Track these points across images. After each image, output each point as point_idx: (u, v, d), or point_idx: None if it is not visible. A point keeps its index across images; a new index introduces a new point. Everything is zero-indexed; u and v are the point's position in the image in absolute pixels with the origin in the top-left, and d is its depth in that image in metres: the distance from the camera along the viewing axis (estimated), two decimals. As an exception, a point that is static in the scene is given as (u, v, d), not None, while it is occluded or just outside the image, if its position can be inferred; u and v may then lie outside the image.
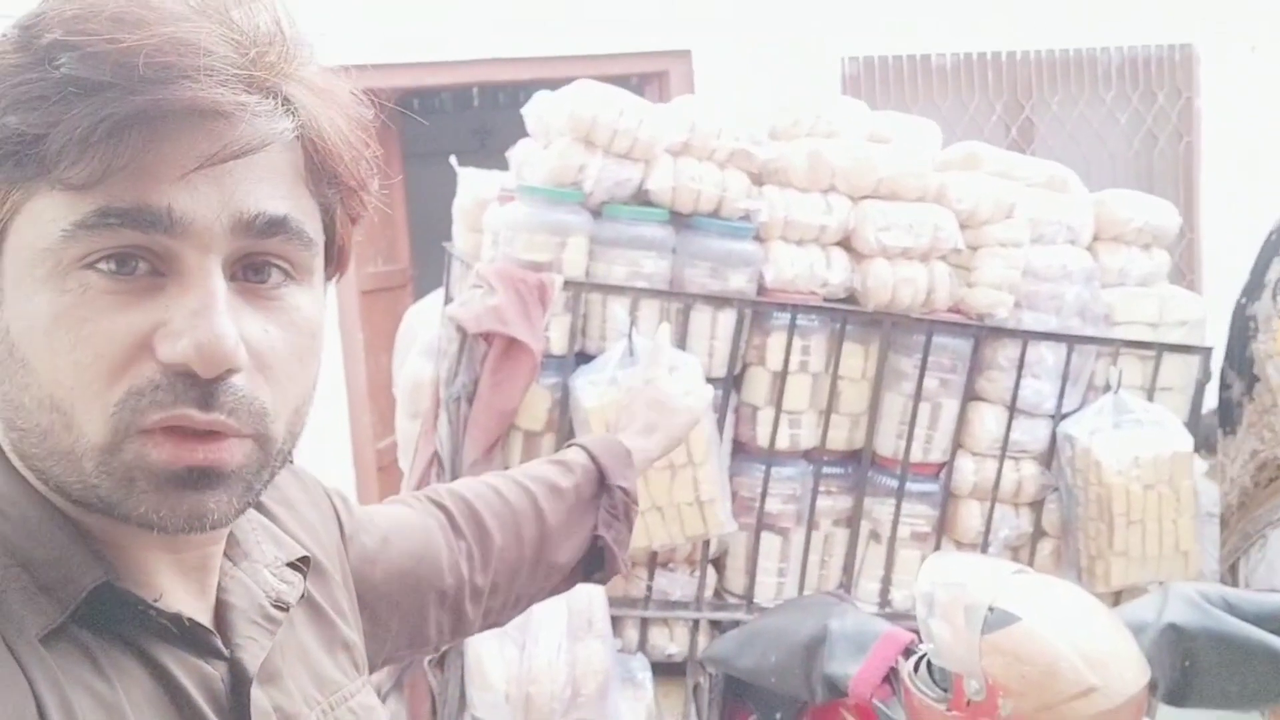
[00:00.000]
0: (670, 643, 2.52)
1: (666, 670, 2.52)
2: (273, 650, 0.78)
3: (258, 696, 0.75)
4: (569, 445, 1.39)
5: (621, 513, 1.33)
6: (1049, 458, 2.65)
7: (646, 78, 5.14)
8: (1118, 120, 5.59)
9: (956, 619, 1.71)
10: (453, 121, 8.14)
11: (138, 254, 0.65)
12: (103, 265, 0.64)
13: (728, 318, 2.44)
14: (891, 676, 1.94)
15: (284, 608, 0.81)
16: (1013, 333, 2.56)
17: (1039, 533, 2.68)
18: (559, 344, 2.39)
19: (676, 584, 2.53)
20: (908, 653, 1.95)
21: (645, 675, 2.43)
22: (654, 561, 2.49)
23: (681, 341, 2.43)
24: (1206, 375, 2.69)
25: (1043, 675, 1.62)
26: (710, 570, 2.57)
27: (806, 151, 2.50)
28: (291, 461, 0.92)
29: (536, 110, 2.67)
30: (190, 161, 0.64)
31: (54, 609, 0.66)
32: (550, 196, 2.37)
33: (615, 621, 2.48)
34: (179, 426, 0.65)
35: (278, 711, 0.77)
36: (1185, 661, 1.85)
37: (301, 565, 0.86)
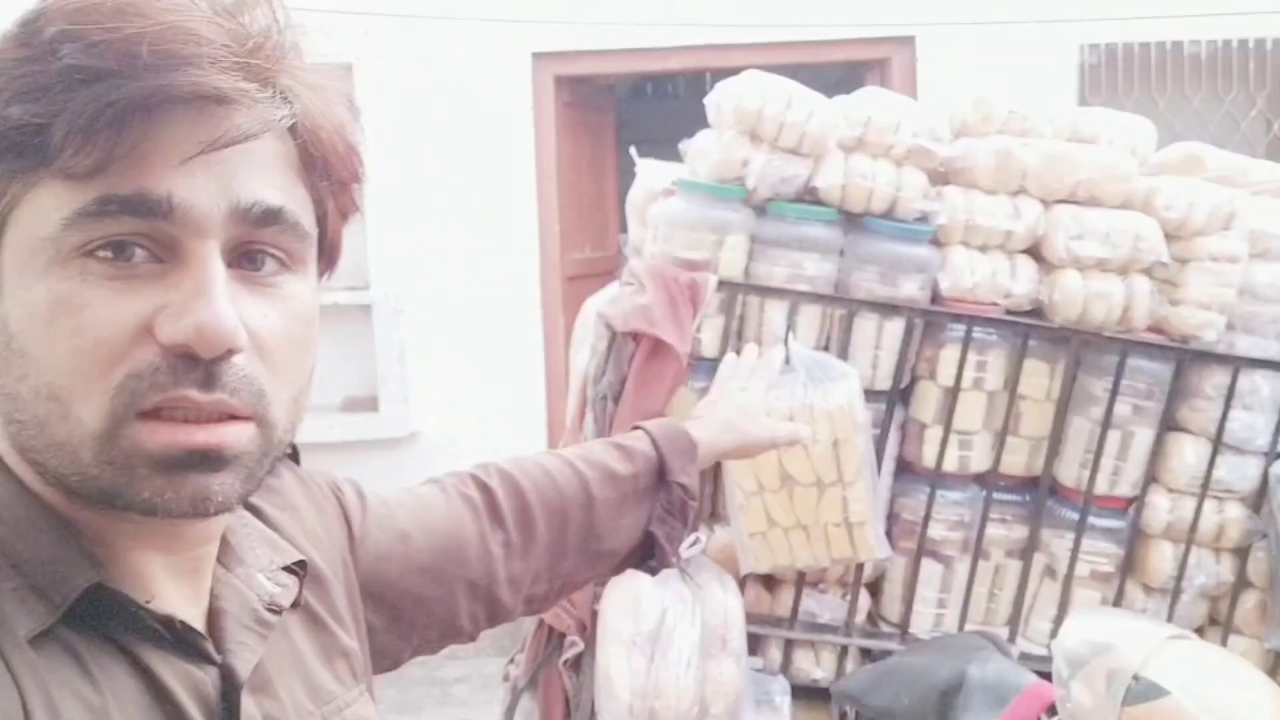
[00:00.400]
0: (816, 667, 2.39)
1: (810, 695, 2.39)
2: (265, 658, 0.78)
3: (247, 704, 0.74)
4: (634, 428, 1.34)
5: (677, 509, 1.29)
6: (1258, 501, 2.36)
7: (867, 65, 4.95)
8: (1237, 124, 4.97)
9: (1098, 684, 1.53)
10: (685, 108, 8.11)
11: (137, 241, 0.65)
12: (102, 253, 0.64)
13: (895, 326, 2.28)
14: (1034, 735, 1.76)
15: (278, 611, 0.80)
16: (1222, 358, 2.29)
17: (1242, 583, 2.39)
18: (711, 347, 2.29)
19: (826, 606, 2.40)
20: (1051, 710, 1.77)
21: (784, 699, 2.31)
22: (801, 581, 2.36)
23: (843, 350, 2.28)
24: None
25: (1188, 762, 1.42)
26: (865, 595, 2.42)
27: (995, 149, 2.30)
28: (298, 464, 0.97)
29: (715, 99, 2.57)
30: (190, 148, 0.64)
31: (45, 610, 0.66)
32: (711, 192, 2.26)
33: (758, 640, 2.37)
34: (179, 409, 0.65)
35: (271, 718, 0.77)
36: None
37: (297, 569, 0.85)
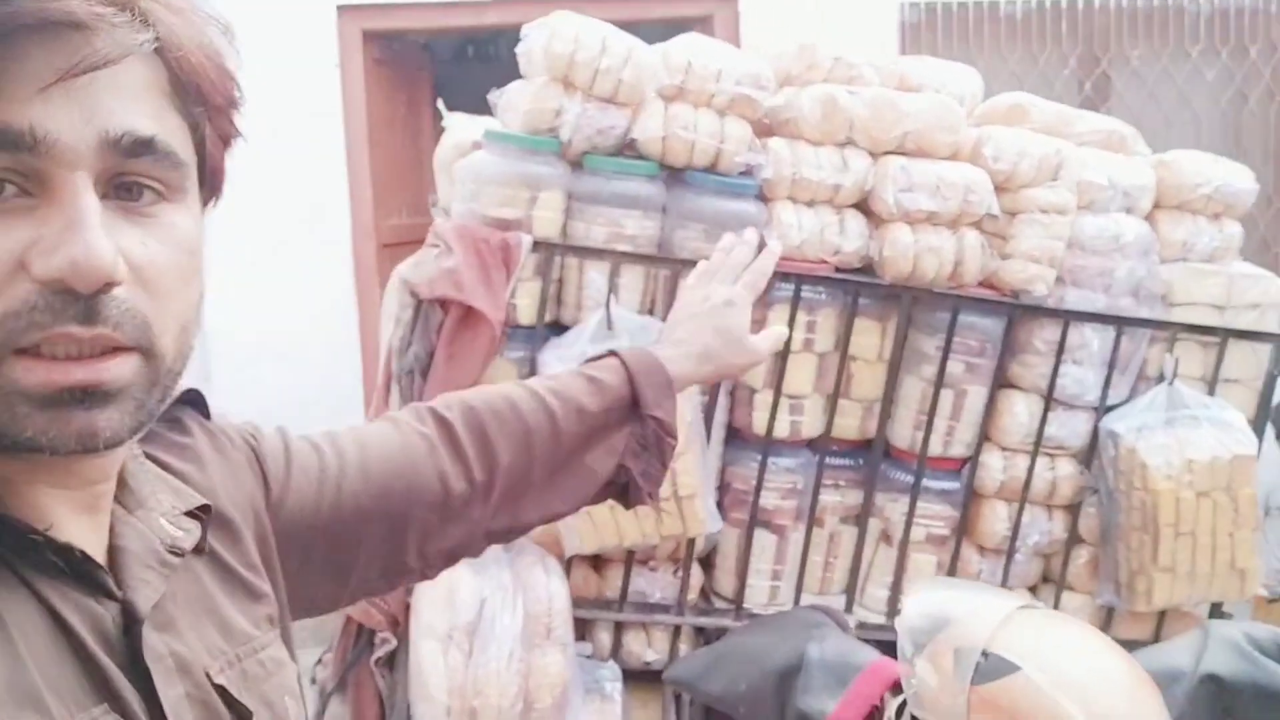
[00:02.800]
0: (648, 649, 2.26)
1: (643, 679, 2.26)
2: (167, 597, 0.76)
3: (151, 638, 0.72)
4: (606, 353, 1.25)
5: (653, 443, 1.21)
6: (1089, 456, 2.33)
7: (689, 23, 4.81)
8: (1204, 77, 5.15)
9: (944, 662, 1.43)
10: (508, 70, 7.89)
11: (4, 176, 0.63)
12: None
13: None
14: (875, 716, 1.66)
15: (179, 554, 0.78)
16: (1052, 312, 2.24)
17: (1074, 540, 2.36)
18: (527, 313, 2.12)
19: (657, 585, 2.27)
20: (895, 688, 1.67)
21: (615, 686, 2.17)
22: (631, 560, 2.22)
23: (668, 313, 2.14)
24: (1279, 367, 2.34)
25: (1041, 740, 1.33)
26: (698, 570, 2.30)
27: (821, 98, 2.19)
28: (208, 417, 0.94)
29: (526, 46, 2.39)
30: (48, 75, 0.62)
31: None
32: (521, 144, 2.09)
33: (586, 624, 2.23)
34: (60, 345, 0.63)
35: (173, 656, 0.74)
36: (1224, 716, 1.54)
37: (200, 514, 0.83)
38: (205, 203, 0.77)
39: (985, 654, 1.40)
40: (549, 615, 2.05)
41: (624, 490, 1.23)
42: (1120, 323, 2.26)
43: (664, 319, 2.10)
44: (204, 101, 0.72)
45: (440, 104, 2.71)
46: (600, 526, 2.06)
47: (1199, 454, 2.19)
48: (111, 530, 0.76)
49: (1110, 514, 2.28)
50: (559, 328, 2.17)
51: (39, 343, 0.63)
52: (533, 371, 2.10)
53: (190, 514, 0.82)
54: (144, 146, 0.67)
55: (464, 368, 2.04)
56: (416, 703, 2.00)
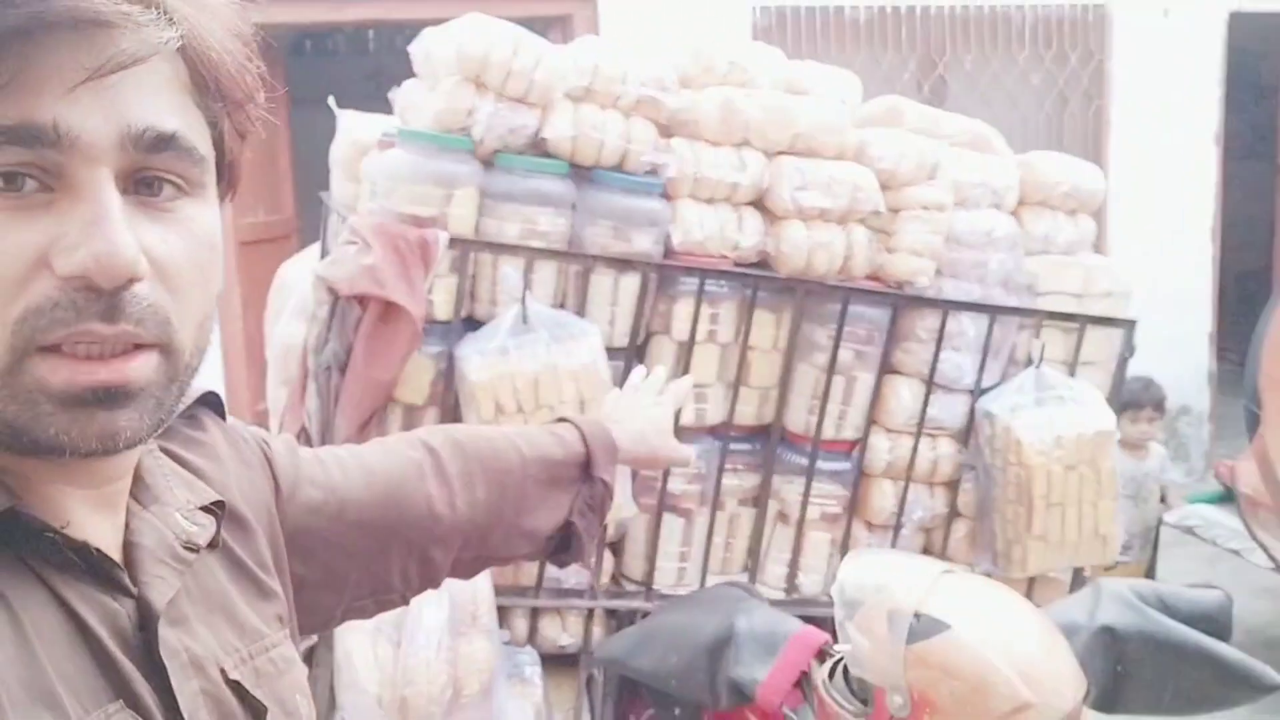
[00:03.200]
0: (563, 633, 2.33)
1: (558, 662, 2.33)
2: (181, 593, 0.77)
3: (167, 635, 0.73)
4: (561, 420, 1.36)
5: (598, 504, 1.32)
6: (966, 435, 2.50)
7: (549, 22, 4.89)
8: (1030, 81, 5.49)
9: (878, 626, 1.55)
10: (346, 65, 7.78)
11: (25, 171, 0.63)
12: None
13: (631, 282, 2.24)
14: (803, 681, 1.77)
15: (194, 549, 0.79)
16: (933, 302, 2.40)
17: (953, 514, 2.54)
18: (444, 309, 2.16)
19: (570, 571, 2.32)
20: (821, 656, 1.79)
21: (534, 670, 2.24)
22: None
23: (581, 308, 2.22)
24: (1130, 349, 2.56)
25: (973, 691, 1.47)
26: (608, 555, 2.38)
27: (719, 101, 2.29)
28: (223, 419, 0.96)
29: (424, 47, 2.42)
30: (74, 75, 0.63)
31: None
32: (435, 143, 2.13)
33: (502, 612, 2.27)
34: (82, 343, 0.64)
35: (187, 652, 0.75)
36: (1118, 666, 1.71)
37: (215, 509, 0.84)
38: (222, 197, 0.78)
39: (917, 615, 1.52)
40: (474, 604, 2.10)
41: (564, 544, 1.32)
42: (993, 311, 2.43)
43: (576, 313, 2.18)
44: (224, 97, 0.73)
45: (331, 102, 2.71)
46: (522, 515, 2.12)
47: (1066, 430, 2.38)
48: (127, 526, 0.76)
49: (987, 489, 2.46)
50: (473, 323, 2.21)
51: (62, 340, 0.64)
52: (450, 366, 2.15)
53: (205, 509, 0.83)
54: (165, 142, 0.67)
55: (384, 363, 2.07)
56: (345, 694, 2.03)
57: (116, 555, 0.74)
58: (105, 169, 0.65)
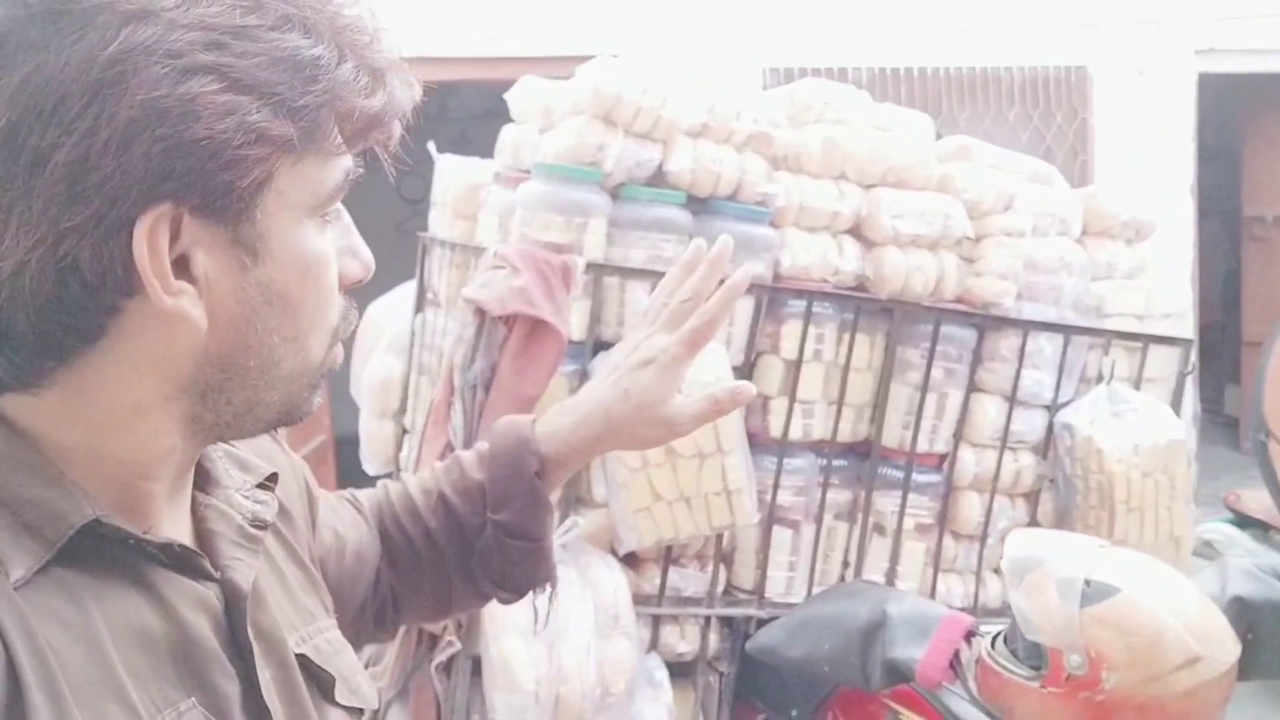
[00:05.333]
0: (681, 641, 2.44)
1: (676, 671, 2.43)
2: (258, 572, 0.79)
3: (254, 615, 0.76)
4: (478, 448, 1.09)
5: (500, 550, 1.05)
6: (1045, 448, 2.67)
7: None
8: (1020, 137, 5.76)
9: (1049, 593, 1.69)
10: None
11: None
12: (330, 214, 0.74)
13: (745, 304, 2.39)
14: (954, 660, 1.90)
15: (262, 525, 0.81)
16: (1015, 323, 2.58)
17: (1034, 523, 2.69)
18: (578, 330, 2.29)
19: (688, 580, 2.45)
20: (969, 637, 1.92)
21: (663, 674, 2.35)
22: (668, 557, 2.40)
23: (700, 328, 2.35)
24: (1189, 366, 2.75)
25: (1149, 646, 1.61)
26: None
27: (821, 138, 2.47)
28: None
29: (529, 93, 2.59)
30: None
31: (40, 548, 0.65)
32: (571, 175, 2.28)
33: (629, 619, 2.39)
34: None
35: (266, 636, 0.78)
36: (1248, 634, 1.86)
37: (269, 484, 0.85)
38: None
39: (1088, 581, 1.67)
40: (616, 607, 2.21)
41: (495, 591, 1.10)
42: (1069, 331, 2.61)
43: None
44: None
45: (431, 147, 2.86)
46: (659, 521, 2.24)
47: (1142, 440, 2.55)
48: (195, 514, 0.78)
49: (1068, 497, 2.62)
50: (601, 344, 2.35)
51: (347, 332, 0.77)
52: (584, 382, 2.28)
53: (260, 485, 0.84)
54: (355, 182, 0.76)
55: (532, 379, 2.19)
56: (501, 694, 2.12)
57: (190, 543, 0.75)
58: None
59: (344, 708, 0.84)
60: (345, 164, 0.72)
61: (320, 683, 0.82)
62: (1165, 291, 2.78)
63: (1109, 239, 2.78)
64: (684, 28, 5.21)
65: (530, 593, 1.10)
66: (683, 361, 1.03)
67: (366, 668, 2.36)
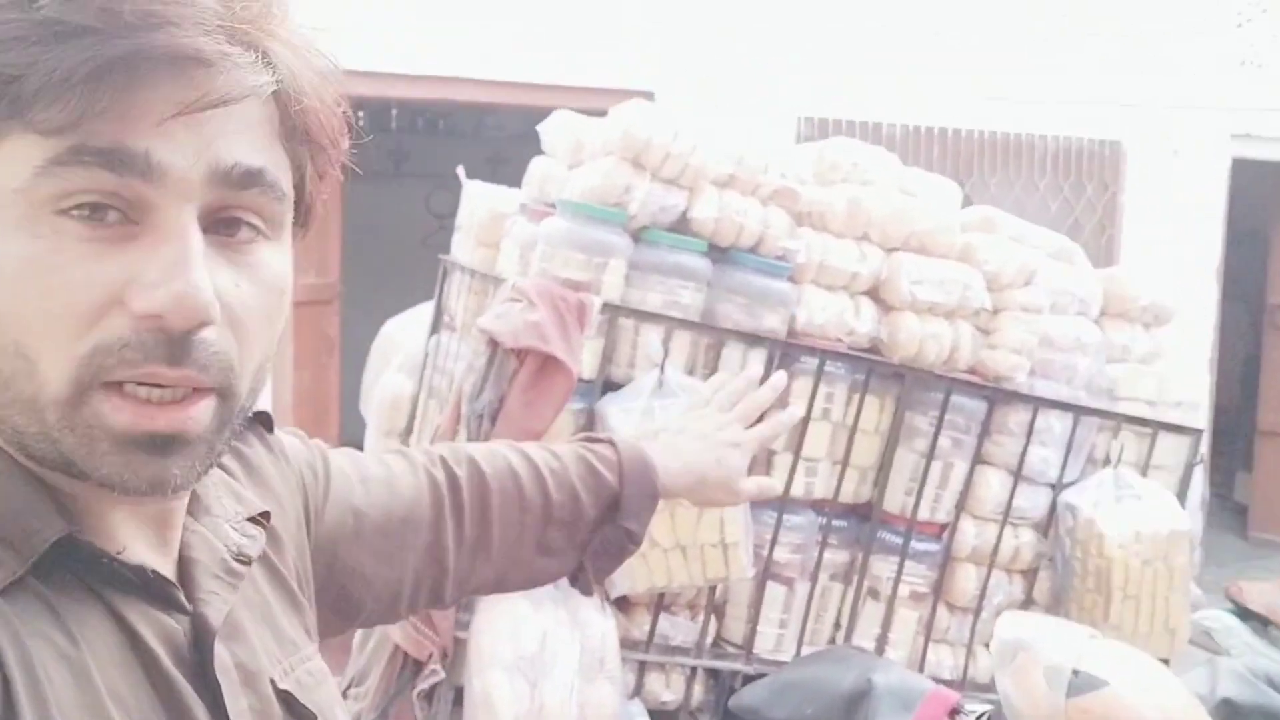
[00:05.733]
0: (665, 689, 2.43)
1: (657, 719, 2.42)
2: (236, 606, 0.78)
3: (220, 651, 0.73)
4: (606, 441, 1.24)
5: (615, 550, 1.21)
6: (1046, 526, 2.65)
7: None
8: (1049, 207, 5.77)
9: (1035, 679, 1.67)
10: (369, 143, 7.97)
11: (111, 202, 0.63)
12: (76, 212, 0.63)
13: (758, 357, 2.39)
14: (937, 736, 1.89)
15: (246, 561, 0.80)
16: (1027, 398, 2.57)
17: (1029, 601, 2.68)
18: (589, 368, 2.30)
19: (678, 629, 2.44)
20: (953, 714, 1.91)
21: (644, 721, 2.33)
22: (659, 604, 2.39)
23: (711, 377, 2.36)
24: (1198, 457, 2.74)
25: (1132, 744, 1.59)
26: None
27: (847, 197, 2.48)
28: (270, 431, 0.95)
29: (563, 127, 2.60)
30: (169, 108, 0.63)
31: (14, 562, 0.64)
32: (595, 214, 2.28)
33: (615, 663, 2.38)
34: (144, 384, 0.64)
35: (239, 668, 0.76)
36: (1235, 739, 1.85)
37: (261, 520, 0.84)
38: (296, 237, 0.78)
39: (1075, 672, 1.65)
40: (602, 650, 2.20)
41: (571, 578, 1.24)
42: (1079, 411, 2.60)
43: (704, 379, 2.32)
44: (310, 140, 0.73)
45: (460, 172, 2.88)
46: (653, 568, 2.24)
47: (1144, 527, 2.54)
48: (181, 540, 0.77)
49: (1065, 578, 2.60)
50: (609, 384, 2.35)
51: (126, 380, 0.64)
52: (590, 423, 2.28)
53: (252, 520, 0.84)
54: (253, 178, 0.67)
55: (539, 414, 2.19)
56: (478, 729, 2.11)
57: (171, 570, 0.75)
58: (190, 206, 0.65)
59: None
60: (70, 138, 0.62)
61: (301, 719, 0.81)
62: (1179, 379, 2.77)
63: (1127, 322, 2.77)
64: (723, 72, 5.24)
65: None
66: (753, 453, 1.29)
67: (349, 688, 2.37)
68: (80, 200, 0.63)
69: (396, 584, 1.07)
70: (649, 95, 5.04)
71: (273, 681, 0.78)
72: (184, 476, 0.67)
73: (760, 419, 1.32)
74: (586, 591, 1.26)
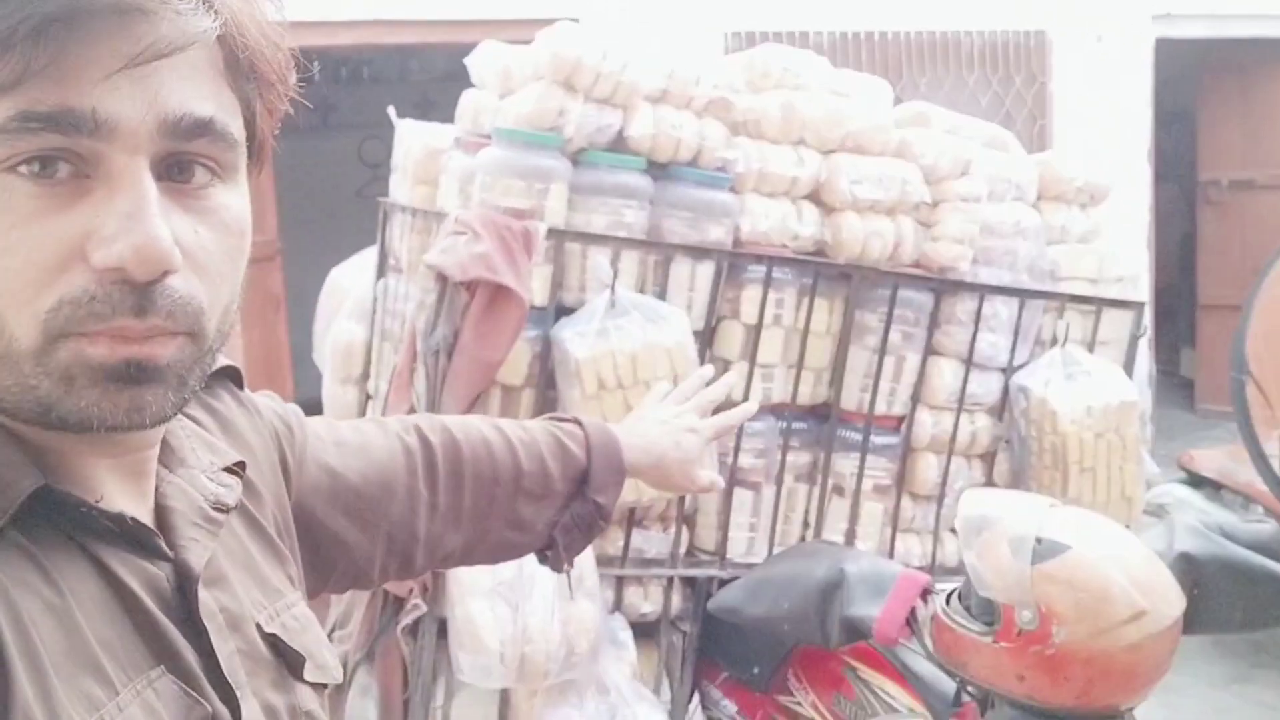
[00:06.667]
0: (645, 602, 2.47)
1: (640, 631, 2.47)
2: (216, 553, 0.78)
3: (204, 596, 0.74)
4: (573, 421, 1.28)
5: (585, 524, 1.24)
6: (1000, 410, 2.71)
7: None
8: (979, 102, 5.81)
9: (1001, 551, 1.73)
10: (316, 90, 7.86)
11: (61, 156, 0.63)
12: (24, 168, 0.62)
13: (706, 270, 2.41)
14: (910, 617, 1.95)
15: (224, 510, 0.80)
16: (972, 286, 2.61)
17: (989, 483, 2.74)
18: (540, 295, 2.31)
19: (651, 542, 2.48)
20: (925, 593, 1.96)
21: (627, 635, 2.38)
22: (631, 519, 2.43)
23: (662, 294, 2.38)
24: (1141, 329, 2.80)
25: (1096, 601, 1.65)
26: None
27: (780, 103, 2.49)
28: (240, 388, 0.97)
29: (490, 57, 2.58)
30: (114, 62, 0.63)
31: None
32: (531, 140, 2.28)
33: (592, 581, 2.42)
34: (116, 336, 0.65)
35: (224, 612, 0.77)
36: (1194, 589, 1.91)
37: (237, 469, 0.85)
38: (251, 174, 0.78)
39: (1039, 539, 1.71)
40: (579, 568, 2.23)
41: (540, 553, 1.27)
42: (1024, 294, 2.65)
43: (658, 299, 2.34)
44: (258, 78, 0.73)
45: (391, 111, 2.85)
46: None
47: (1094, 401, 2.60)
48: (157, 490, 0.77)
49: (1022, 458, 2.67)
50: (563, 309, 2.36)
51: (94, 333, 0.64)
52: (545, 349, 2.30)
53: (228, 469, 0.84)
54: (203, 128, 0.67)
55: (493, 345, 2.20)
56: (466, 655, 2.15)
57: (149, 521, 0.75)
58: (142, 157, 0.65)
59: (311, 684, 0.85)
60: (15, 101, 0.61)
61: (289, 661, 0.82)
62: (1118, 255, 2.82)
63: (1064, 204, 2.81)
64: (646, -8, 5.20)
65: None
66: (708, 441, 1.37)
67: (333, 631, 2.40)
68: (28, 156, 0.62)
69: (369, 547, 1.08)
70: (574, 21, 5.00)
71: (259, 626, 0.80)
72: (159, 406, 0.67)
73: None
74: (557, 569, 1.26)
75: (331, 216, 6.62)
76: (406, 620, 2.29)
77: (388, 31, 5.01)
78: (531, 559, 1.24)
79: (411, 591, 2.27)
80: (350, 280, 3.02)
